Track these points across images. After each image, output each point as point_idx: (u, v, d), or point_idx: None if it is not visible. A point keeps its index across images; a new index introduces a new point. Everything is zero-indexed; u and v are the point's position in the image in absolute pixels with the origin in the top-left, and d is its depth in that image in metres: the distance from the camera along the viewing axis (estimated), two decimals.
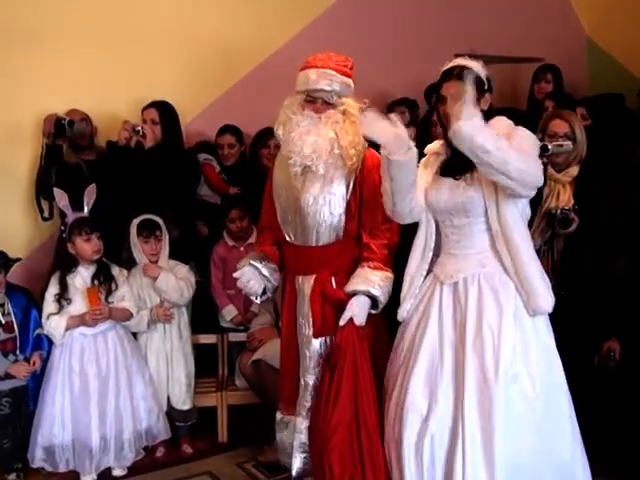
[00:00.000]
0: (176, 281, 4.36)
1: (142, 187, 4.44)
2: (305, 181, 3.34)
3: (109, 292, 4.18)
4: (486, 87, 3.00)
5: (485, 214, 2.98)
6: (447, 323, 3.00)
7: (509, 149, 2.77)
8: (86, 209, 4.15)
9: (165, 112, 4.66)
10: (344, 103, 3.31)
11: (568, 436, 2.94)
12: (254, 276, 3.48)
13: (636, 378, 3.82)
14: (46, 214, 4.64)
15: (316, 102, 3.30)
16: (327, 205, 3.31)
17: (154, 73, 5.04)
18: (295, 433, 3.43)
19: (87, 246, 4.11)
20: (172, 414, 4.41)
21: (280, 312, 3.95)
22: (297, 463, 3.43)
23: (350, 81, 3.36)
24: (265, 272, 3.50)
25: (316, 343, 3.38)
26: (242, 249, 4.78)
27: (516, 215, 2.97)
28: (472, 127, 2.73)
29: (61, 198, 4.13)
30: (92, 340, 4.11)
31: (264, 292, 3.54)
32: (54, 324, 4.05)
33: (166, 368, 4.39)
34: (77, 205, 4.16)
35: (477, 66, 3.01)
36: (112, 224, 4.36)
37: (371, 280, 3.23)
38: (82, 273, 4.16)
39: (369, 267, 3.26)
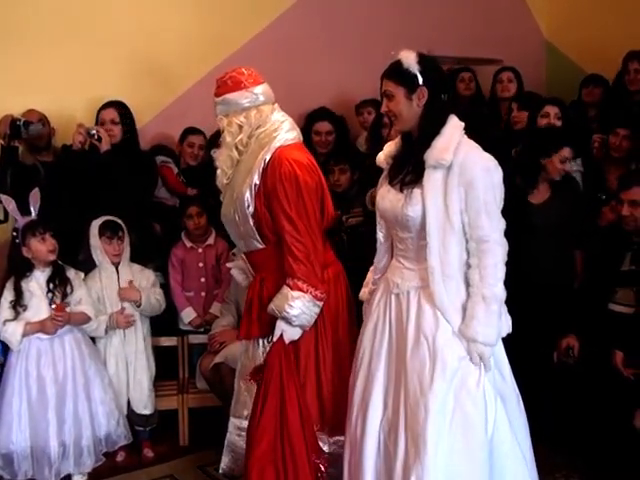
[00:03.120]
0: (155, 299, 4.38)
1: (99, 190, 4.39)
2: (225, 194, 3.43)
3: (65, 295, 4.12)
4: (420, 81, 2.82)
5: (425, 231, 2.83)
6: (393, 331, 2.94)
7: (491, 285, 2.76)
8: (33, 213, 4.08)
9: (124, 112, 4.62)
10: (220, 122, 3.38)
11: (512, 455, 2.84)
12: (242, 269, 3.55)
13: (594, 374, 3.87)
14: (1, 216, 4.55)
15: None
16: (237, 214, 3.30)
17: (112, 74, 5.00)
18: (228, 432, 3.49)
19: (42, 246, 4.04)
20: (133, 418, 4.35)
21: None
22: (226, 461, 3.49)
23: (221, 98, 3.33)
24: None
25: (247, 345, 3.42)
26: (200, 250, 4.78)
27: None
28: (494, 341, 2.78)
29: (8, 203, 4.07)
30: (49, 344, 4.05)
31: None
32: (11, 330, 3.98)
33: (126, 372, 4.34)
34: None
35: (409, 58, 2.84)
36: (68, 226, 4.31)
37: (284, 300, 3.16)
38: (37, 277, 4.09)
39: (288, 285, 3.18)
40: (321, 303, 3.22)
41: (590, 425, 3.83)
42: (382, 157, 3.09)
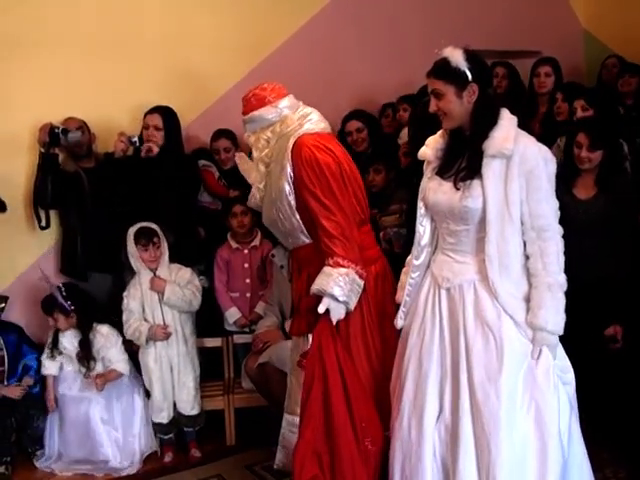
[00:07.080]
0: (182, 292, 4.37)
1: (143, 196, 4.44)
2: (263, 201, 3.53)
3: (92, 361, 4.39)
4: (470, 78, 2.82)
5: (484, 222, 2.83)
6: (445, 327, 2.92)
7: (554, 273, 2.78)
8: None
9: (168, 117, 4.64)
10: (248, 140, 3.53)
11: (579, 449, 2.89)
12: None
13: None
14: (43, 223, 4.62)
15: None
16: (279, 213, 3.40)
17: (150, 78, 5.04)
18: (282, 428, 3.53)
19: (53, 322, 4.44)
20: (180, 420, 4.41)
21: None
22: (280, 456, 3.53)
23: (248, 117, 3.49)
24: None
25: (298, 341, 3.44)
26: (246, 251, 4.78)
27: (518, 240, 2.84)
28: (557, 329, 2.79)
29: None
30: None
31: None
32: (47, 365, 4.42)
33: (170, 375, 4.38)
34: (79, 213, 4.20)
35: (456, 56, 2.83)
36: (112, 230, 4.39)
37: (327, 279, 3.18)
38: (67, 336, 4.45)
39: (329, 264, 3.21)
40: (362, 282, 3.24)
41: (636, 417, 3.78)
42: (429, 151, 3.05)
